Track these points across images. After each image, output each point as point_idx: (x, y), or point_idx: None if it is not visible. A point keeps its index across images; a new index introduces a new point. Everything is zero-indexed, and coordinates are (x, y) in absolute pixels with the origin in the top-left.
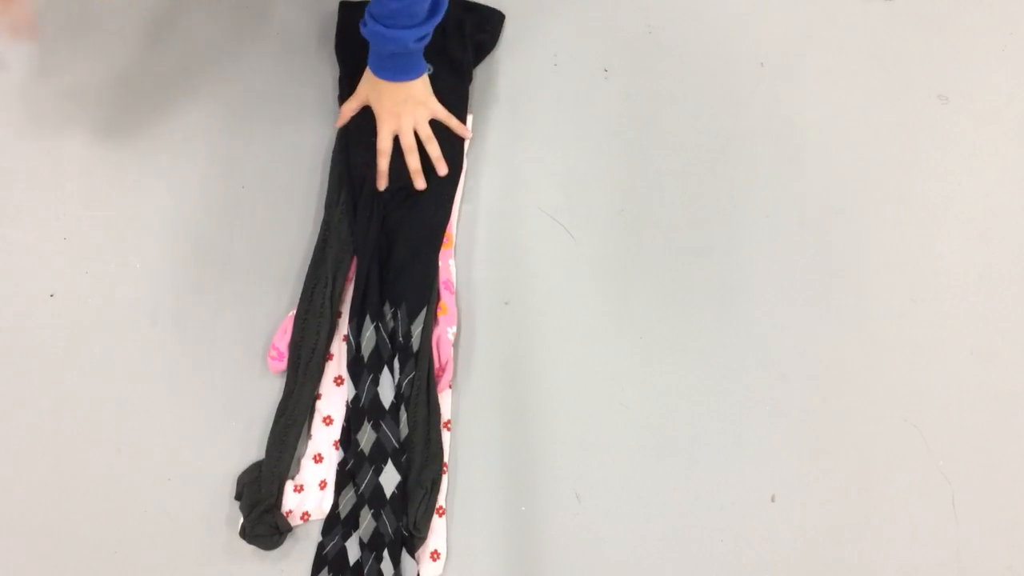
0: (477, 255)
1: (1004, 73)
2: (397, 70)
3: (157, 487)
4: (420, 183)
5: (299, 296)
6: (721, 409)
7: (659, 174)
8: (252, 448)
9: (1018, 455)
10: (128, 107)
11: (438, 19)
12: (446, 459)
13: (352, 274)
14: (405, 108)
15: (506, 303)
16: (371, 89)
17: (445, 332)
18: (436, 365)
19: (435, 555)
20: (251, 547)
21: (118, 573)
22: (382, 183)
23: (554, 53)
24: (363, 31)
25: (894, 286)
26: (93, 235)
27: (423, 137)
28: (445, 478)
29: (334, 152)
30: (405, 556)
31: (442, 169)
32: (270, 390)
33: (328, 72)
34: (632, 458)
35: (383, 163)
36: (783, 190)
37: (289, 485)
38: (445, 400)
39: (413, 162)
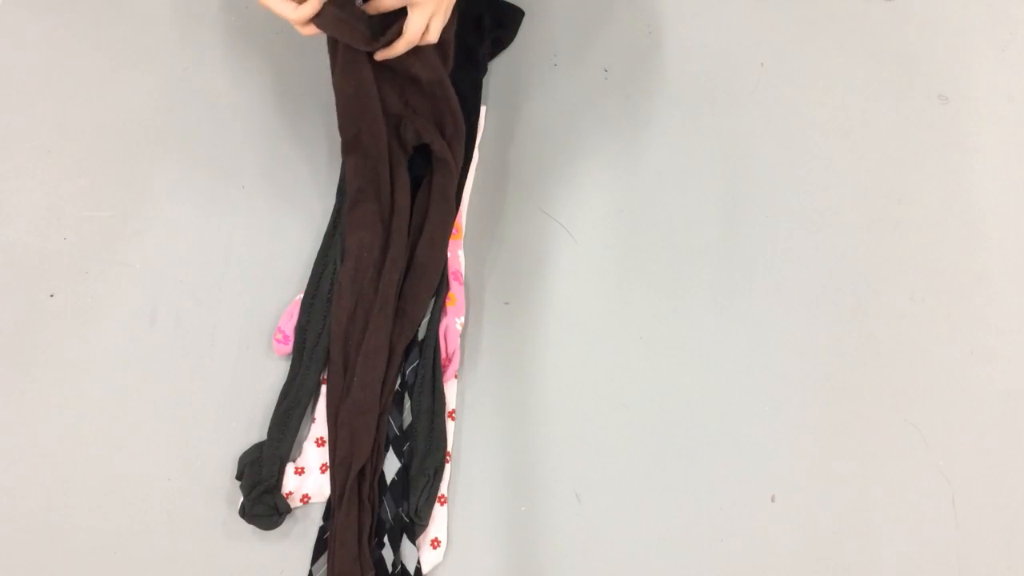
0: (477, 255)
1: (1004, 73)
2: None
3: (157, 487)
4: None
5: (307, 281)
6: (721, 409)
7: (659, 174)
8: (255, 430)
9: (1018, 455)
10: (128, 105)
11: None
12: (449, 448)
13: None
14: None
15: (506, 303)
16: None
17: (453, 322)
18: (443, 355)
19: (436, 543)
20: (251, 527)
21: (117, 572)
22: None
23: (554, 53)
24: None
25: (894, 286)
26: (93, 235)
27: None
28: (448, 467)
29: None
30: (406, 542)
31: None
32: (274, 373)
33: None
34: (632, 458)
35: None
36: (783, 190)
37: (290, 467)
38: (450, 390)
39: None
